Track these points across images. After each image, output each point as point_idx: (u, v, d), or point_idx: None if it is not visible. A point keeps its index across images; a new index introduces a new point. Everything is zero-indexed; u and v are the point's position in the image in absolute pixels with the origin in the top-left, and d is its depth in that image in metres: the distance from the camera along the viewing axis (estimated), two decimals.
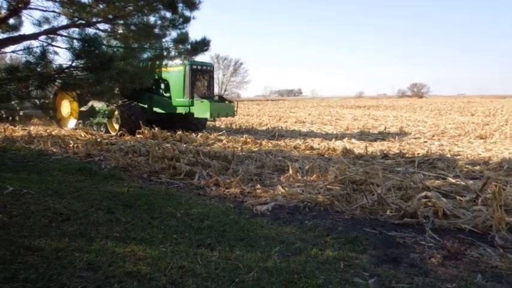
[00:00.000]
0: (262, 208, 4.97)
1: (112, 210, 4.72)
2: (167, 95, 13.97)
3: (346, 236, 4.00)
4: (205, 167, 7.33)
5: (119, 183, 6.19)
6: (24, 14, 5.55)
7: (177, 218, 4.51)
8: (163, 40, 6.96)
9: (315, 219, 4.64)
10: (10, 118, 16.62)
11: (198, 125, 14.37)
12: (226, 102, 14.28)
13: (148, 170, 7.30)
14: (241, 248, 3.63)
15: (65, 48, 4.67)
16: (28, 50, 4.63)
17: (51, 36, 5.48)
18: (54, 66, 4.74)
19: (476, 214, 4.49)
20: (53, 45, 5.11)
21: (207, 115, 12.86)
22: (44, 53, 4.55)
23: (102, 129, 13.91)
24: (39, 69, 4.61)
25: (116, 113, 13.43)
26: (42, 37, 5.35)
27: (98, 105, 13.76)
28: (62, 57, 4.85)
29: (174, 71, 13.29)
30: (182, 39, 6.87)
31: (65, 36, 5.29)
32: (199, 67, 13.52)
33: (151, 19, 6.38)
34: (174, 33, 6.93)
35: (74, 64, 4.63)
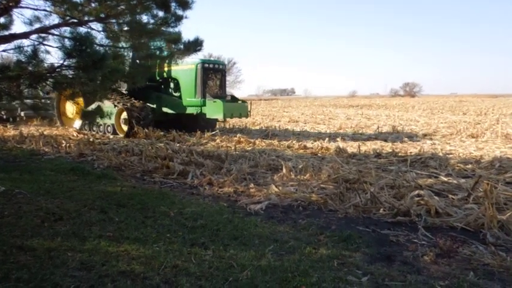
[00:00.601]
0: (256, 207, 4.97)
1: (105, 209, 4.70)
2: (177, 94, 13.36)
3: (339, 234, 4.02)
4: (199, 166, 7.32)
5: (112, 183, 6.16)
6: (15, 12, 5.50)
7: (171, 217, 4.50)
8: (157, 39, 6.95)
9: (308, 218, 4.64)
10: (11, 119, 16.09)
11: (208, 126, 13.53)
12: (239, 102, 13.38)
13: (141, 169, 7.28)
14: (235, 247, 3.63)
15: (57, 47, 4.64)
16: (19, 49, 4.59)
17: (43, 35, 5.44)
18: (45, 65, 4.71)
19: (468, 212, 4.53)
20: (44, 44, 5.08)
21: (220, 116, 12.13)
22: (35, 51, 4.51)
23: (109, 130, 13.37)
24: (30, 68, 4.57)
25: (124, 113, 12.81)
26: (34, 36, 5.31)
27: (106, 105, 13.60)
28: (53, 56, 4.82)
29: (185, 69, 12.62)
30: (175, 38, 6.85)
31: (57, 35, 5.25)
32: (211, 65, 12.84)
33: (144, 18, 6.36)
34: (166, 33, 6.92)
35: (65, 63, 4.59)
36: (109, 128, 13.39)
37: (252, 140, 11.06)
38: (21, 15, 5.63)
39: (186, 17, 6.70)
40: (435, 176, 6.51)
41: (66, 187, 5.75)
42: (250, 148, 9.88)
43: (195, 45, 7.22)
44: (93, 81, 4.88)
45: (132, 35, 6.00)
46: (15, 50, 4.54)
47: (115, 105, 12.84)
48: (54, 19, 5.73)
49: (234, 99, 13.54)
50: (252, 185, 5.96)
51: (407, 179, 5.92)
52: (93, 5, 5.62)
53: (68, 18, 5.60)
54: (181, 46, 6.97)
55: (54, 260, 3.26)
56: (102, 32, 5.89)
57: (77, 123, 14.37)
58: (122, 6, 5.73)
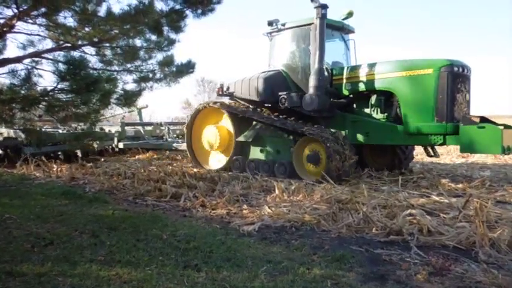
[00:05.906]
0: (249, 228, 4.95)
1: (96, 233, 4.65)
2: (379, 116, 8.55)
3: (332, 254, 4.01)
4: (192, 188, 7.30)
5: (103, 207, 6.11)
6: (9, 37, 5.56)
7: (163, 239, 4.46)
8: (149, 62, 7.05)
9: (301, 238, 4.63)
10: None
11: (404, 160, 9.32)
12: (501, 127, 7.16)
13: (133, 192, 7.23)
14: (228, 269, 3.61)
15: (50, 71, 4.69)
16: (12, 73, 4.63)
17: (36, 59, 5.50)
18: (38, 88, 4.75)
19: (459, 231, 4.54)
20: (37, 68, 5.13)
21: (497, 150, 6.98)
22: (28, 75, 4.57)
23: (280, 171, 8.78)
24: (23, 92, 4.60)
25: (311, 146, 8.36)
26: (27, 60, 5.36)
27: (267, 133, 9.24)
28: (46, 80, 4.87)
29: (412, 76, 7.81)
30: (167, 61, 6.96)
31: (50, 59, 5.31)
32: (460, 70, 7.62)
33: (137, 42, 6.47)
34: (159, 56, 7.04)
35: (58, 86, 4.64)
36: (281, 168, 8.82)
37: None
38: (15, 39, 5.71)
39: (178, 41, 6.84)
40: (427, 196, 6.55)
41: (57, 211, 5.69)
42: None
43: (188, 68, 7.34)
44: (86, 104, 4.91)
45: (125, 58, 6.08)
46: (9, 74, 4.57)
47: (288, 134, 8.82)
48: (48, 43, 5.81)
49: (485, 121, 7.53)
50: (244, 207, 5.95)
51: (399, 198, 5.95)
52: (86, 29, 5.70)
53: (61, 42, 5.68)
54: (174, 69, 7.08)
55: (44, 285, 3.21)
56: (95, 56, 5.96)
57: (216, 161, 10.29)
58: (116, 31, 5.82)
